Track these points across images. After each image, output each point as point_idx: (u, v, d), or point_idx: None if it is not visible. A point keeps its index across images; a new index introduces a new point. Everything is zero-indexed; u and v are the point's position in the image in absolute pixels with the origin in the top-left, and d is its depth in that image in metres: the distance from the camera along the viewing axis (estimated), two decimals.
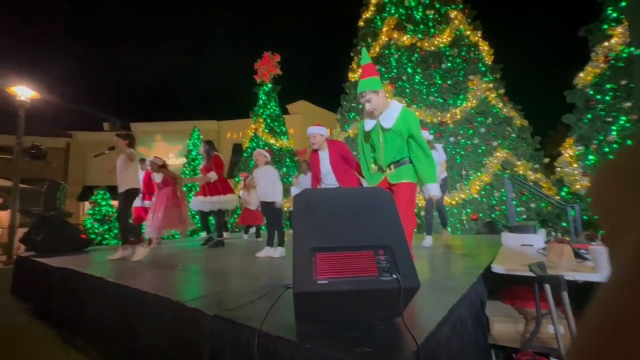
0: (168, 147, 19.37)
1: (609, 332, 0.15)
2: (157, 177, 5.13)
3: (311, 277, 1.00)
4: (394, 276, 1.00)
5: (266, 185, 3.51)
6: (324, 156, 3.15)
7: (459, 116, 7.20)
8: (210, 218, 5.13)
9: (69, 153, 18.05)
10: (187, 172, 10.86)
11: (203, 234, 5.56)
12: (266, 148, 10.51)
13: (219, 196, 4.65)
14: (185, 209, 5.17)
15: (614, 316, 0.15)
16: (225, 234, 6.45)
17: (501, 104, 7.16)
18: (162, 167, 5.15)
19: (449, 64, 7.68)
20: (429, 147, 2.25)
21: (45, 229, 4.30)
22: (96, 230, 8.58)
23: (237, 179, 10.60)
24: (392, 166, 2.27)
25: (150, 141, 19.79)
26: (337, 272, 1.02)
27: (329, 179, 3.16)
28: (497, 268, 1.87)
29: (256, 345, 1.10)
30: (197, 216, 5.60)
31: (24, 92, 7.47)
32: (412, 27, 8.28)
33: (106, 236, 8.84)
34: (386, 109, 2.23)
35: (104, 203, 8.82)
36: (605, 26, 5.76)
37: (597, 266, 1.61)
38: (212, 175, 4.56)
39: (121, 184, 3.67)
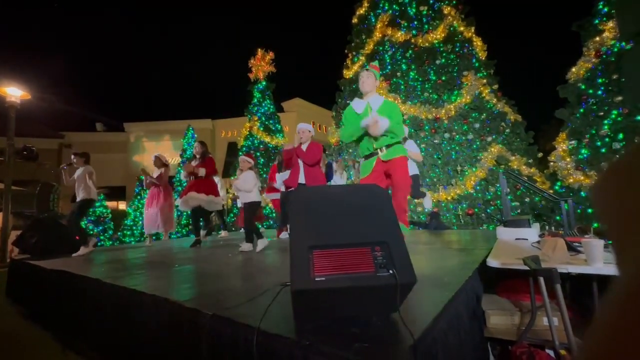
0: (163, 146, 19.21)
1: (618, 340, 0.14)
2: (155, 172, 5.28)
3: (308, 274, 1.00)
4: (391, 272, 1.01)
5: (245, 187, 3.89)
6: (304, 147, 3.76)
7: (453, 112, 7.24)
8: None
9: (62, 154, 17.83)
10: (181, 171, 10.80)
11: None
12: (261, 146, 10.49)
13: (207, 195, 4.64)
14: (173, 210, 5.34)
15: (624, 324, 0.14)
16: (223, 233, 6.47)
17: (495, 99, 7.21)
18: (165, 165, 5.33)
19: (443, 60, 7.71)
20: (402, 127, 2.77)
21: (39, 231, 4.25)
22: (90, 232, 8.49)
23: (233, 178, 10.57)
24: (384, 148, 2.68)
25: (144, 141, 19.63)
26: (334, 269, 1.02)
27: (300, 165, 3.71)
28: (492, 262, 1.89)
29: (255, 343, 1.11)
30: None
31: (14, 92, 7.35)
32: (405, 24, 8.28)
33: (101, 237, 8.76)
34: (373, 95, 2.80)
35: (97, 204, 8.73)
36: (597, 21, 5.81)
37: (589, 258, 1.64)
38: (202, 171, 4.59)
39: (78, 193, 4.33)
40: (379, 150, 2.67)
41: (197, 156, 4.77)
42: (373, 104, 2.70)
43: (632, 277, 0.15)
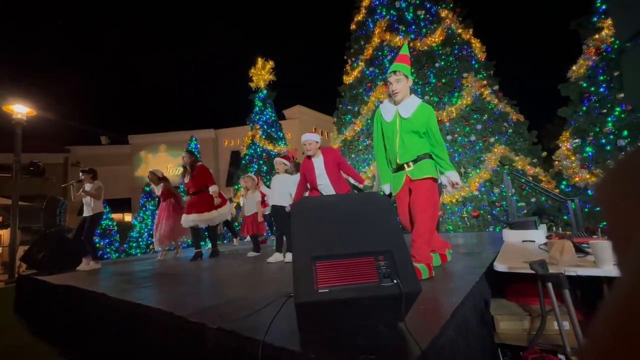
0: (167, 158, 19.36)
1: (619, 336, 0.15)
2: (157, 190, 5.16)
3: (312, 286, 1.00)
4: (395, 282, 1.00)
5: (281, 191, 3.68)
6: (318, 161, 3.27)
7: (454, 114, 7.22)
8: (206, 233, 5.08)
9: (67, 168, 18.04)
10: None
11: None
12: (264, 154, 10.53)
13: (210, 212, 4.55)
14: None
15: (624, 324, 0.15)
16: (235, 241, 6.47)
17: (496, 100, 7.19)
18: (162, 179, 5.19)
19: (442, 63, 7.72)
20: (443, 141, 2.34)
21: (46, 246, 4.29)
22: (97, 245, 8.53)
23: (237, 187, 10.61)
24: (411, 163, 2.28)
25: (149, 153, 19.80)
26: (338, 280, 1.01)
27: (322, 180, 3.22)
28: (499, 266, 1.87)
29: (260, 356, 1.10)
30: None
31: (20, 109, 7.47)
32: (403, 28, 8.33)
33: (107, 250, 8.80)
34: (407, 99, 2.34)
35: (104, 217, 8.80)
36: (595, 18, 5.81)
37: (598, 260, 1.61)
38: (214, 189, 4.52)
39: (87, 209, 4.43)
40: (405, 165, 2.29)
41: (188, 167, 4.64)
42: (403, 111, 2.30)
43: (633, 276, 0.16)
